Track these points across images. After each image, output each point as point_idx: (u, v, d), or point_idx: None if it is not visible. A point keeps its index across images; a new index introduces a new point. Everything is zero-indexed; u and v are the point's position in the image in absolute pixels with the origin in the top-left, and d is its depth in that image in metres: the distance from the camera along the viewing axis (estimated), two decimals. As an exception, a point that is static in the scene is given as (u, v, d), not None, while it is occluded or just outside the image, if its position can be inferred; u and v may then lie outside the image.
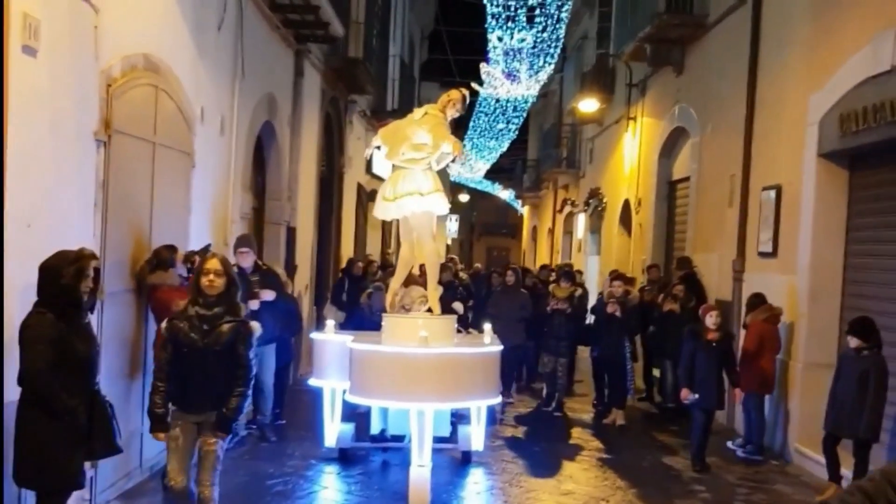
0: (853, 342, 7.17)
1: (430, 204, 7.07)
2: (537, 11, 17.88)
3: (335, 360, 7.65)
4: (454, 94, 7.37)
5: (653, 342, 11.77)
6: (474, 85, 10.13)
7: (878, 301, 8.07)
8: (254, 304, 8.24)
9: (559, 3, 17.57)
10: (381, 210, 7.34)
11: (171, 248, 6.99)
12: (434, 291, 7.30)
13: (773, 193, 9.66)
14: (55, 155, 5.53)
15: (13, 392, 4.78)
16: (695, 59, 13.04)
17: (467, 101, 7.48)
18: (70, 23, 5.62)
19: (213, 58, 8.47)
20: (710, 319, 8.46)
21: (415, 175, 7.01)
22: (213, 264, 5.29)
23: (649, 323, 11.58)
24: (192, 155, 7.94)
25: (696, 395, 8.31)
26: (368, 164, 17.42)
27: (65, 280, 4.72)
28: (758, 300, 9.23)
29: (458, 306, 10.94)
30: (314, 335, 8.40)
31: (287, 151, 11.62)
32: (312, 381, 8.20)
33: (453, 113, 7.33)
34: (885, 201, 8.12)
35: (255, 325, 5.48)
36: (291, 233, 11.82)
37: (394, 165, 7.29)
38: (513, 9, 17.69)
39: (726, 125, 11.27)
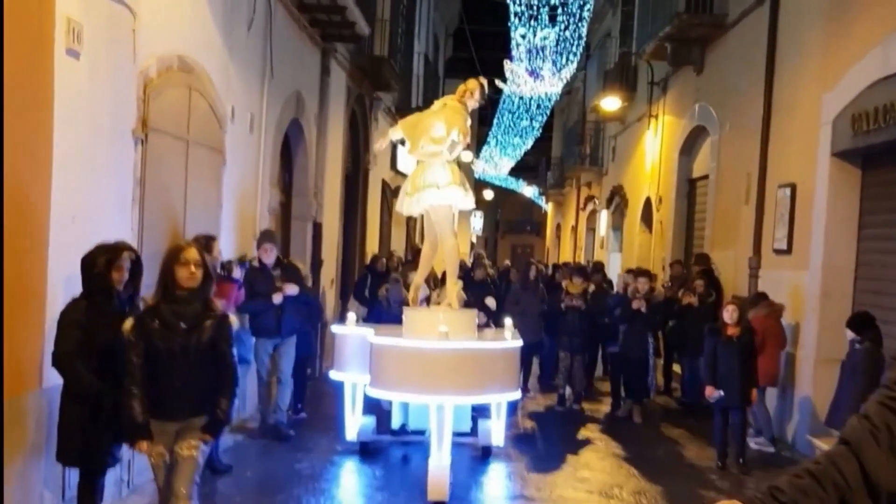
0: (847, 335, 7.32)
1: (448, 196, 7.11)
2: (559, 10, 18.01)
3: (355, 354, 7.67)
4: (471, 83, 7.36)
5: (672, 337, 11.91)
6: (497, 82, 10.23)
7: (890, 297, 8.16)
8: (277, 298, 8.35)
9: (581, 2, 17.70)
10: (404, 205, 7.45)
11: (211, 238, 7.17)
12: (454, 286, 7.40)
13: (787, 191, 9.76)
14: (95, 152, 5.80)
15: (54, 376, 5.04)
16: (714, 59, 13.15)
17: (486, 89, 7.42)
18: (110, 26, 5.89)
19: (242, 58, 8.74)
20: (727, 314, 8.37)
21: (434, 168, 7.11)
22: (193, 254, 4.77)
23: (670, 319, 11.68)
24: (223, 152, 8.22)
25: (721, 392, 8.20)
26: (393, 160, 17.64)
27: (97, 269, 4.94)
28: (758, 297, 9.38)
29: (490, 302, 11.07)
30: (335, 328, 8.47)
31: (314, 148, 11.84)
32: (333, 375, 8.22)
33: (472, 103, 7.33)
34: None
35: (234, 320, 5.05)
36: (318, 228, 12.01)
37: (418, 161, 7.41)
38: (535, 7, 17.83)
39: (744, 124, 11.37)
